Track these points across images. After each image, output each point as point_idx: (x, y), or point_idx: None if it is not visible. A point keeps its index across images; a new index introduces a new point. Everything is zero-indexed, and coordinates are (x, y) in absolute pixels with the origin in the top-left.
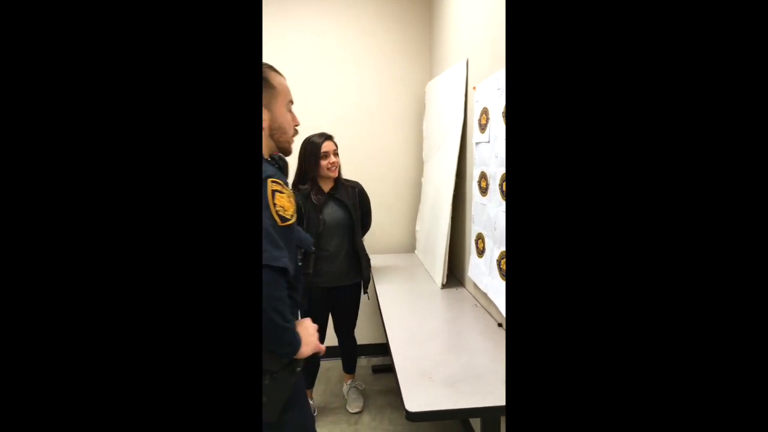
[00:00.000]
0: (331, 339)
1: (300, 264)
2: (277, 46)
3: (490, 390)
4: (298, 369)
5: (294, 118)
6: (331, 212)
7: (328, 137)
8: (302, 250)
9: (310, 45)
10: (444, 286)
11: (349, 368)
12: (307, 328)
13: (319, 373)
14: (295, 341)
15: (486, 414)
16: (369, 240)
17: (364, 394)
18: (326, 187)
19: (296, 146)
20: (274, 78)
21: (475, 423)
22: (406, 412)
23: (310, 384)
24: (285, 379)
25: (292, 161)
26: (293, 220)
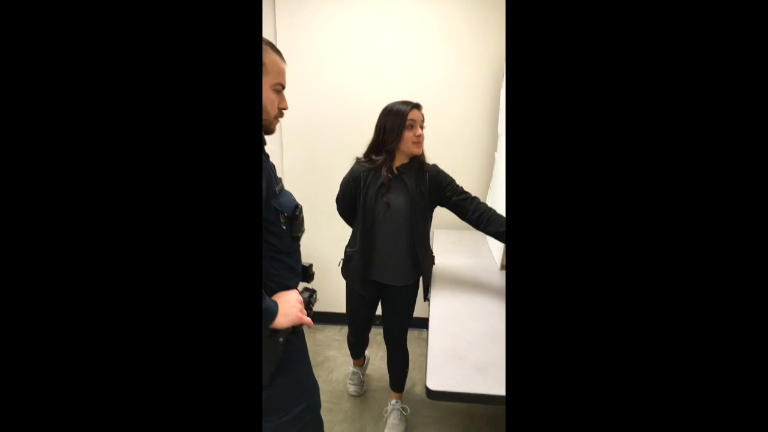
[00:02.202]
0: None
1: (284, 227)
2: (345, 10)
3: None
4: (281, 339)
5: (282, 100)
6: (395, 196)
7: (416, 105)
8: (285, 214)
9: (378, 9)
10: (503, 267)
11: (397, 385)
12: (288, 300)
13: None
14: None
15: None
16: (434, 215)
17: (408, 421)
18: (398, 163)
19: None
20: (266, 56)
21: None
22: (427, 389)
23: (357, 354)
24: (269, 348)
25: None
26: None
